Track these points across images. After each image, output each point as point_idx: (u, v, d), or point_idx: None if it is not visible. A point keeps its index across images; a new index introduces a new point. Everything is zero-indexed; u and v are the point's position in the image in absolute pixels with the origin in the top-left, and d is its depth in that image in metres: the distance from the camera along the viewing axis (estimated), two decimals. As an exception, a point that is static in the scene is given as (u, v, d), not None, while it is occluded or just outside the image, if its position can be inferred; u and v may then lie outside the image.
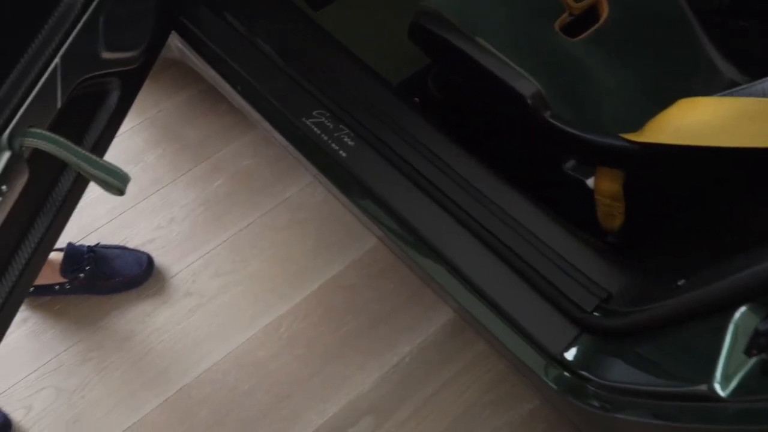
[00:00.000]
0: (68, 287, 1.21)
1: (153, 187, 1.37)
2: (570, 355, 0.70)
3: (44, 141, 0.62)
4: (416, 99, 1.11)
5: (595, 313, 0.72)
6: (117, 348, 1.20)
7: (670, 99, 0.72)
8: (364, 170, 0.87)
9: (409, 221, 0.82)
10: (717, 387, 0.52)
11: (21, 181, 0.63)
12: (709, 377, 0.52)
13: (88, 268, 1.21)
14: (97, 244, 1.27)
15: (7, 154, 0.61)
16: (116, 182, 0.64)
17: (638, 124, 0.77)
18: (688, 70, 0.92)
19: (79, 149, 0.64)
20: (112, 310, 1.23)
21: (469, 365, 1.16)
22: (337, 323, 1.20)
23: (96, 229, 1.32)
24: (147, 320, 1.22)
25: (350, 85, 0.94)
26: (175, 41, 1.08)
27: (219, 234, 1.30)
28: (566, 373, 0.69)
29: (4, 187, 0.61)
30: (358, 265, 1.25)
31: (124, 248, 1.27)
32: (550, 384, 0.69)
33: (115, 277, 1.22)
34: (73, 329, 1.22)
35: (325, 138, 0.90)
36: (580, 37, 0.93)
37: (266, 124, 0.99)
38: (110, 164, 0.65)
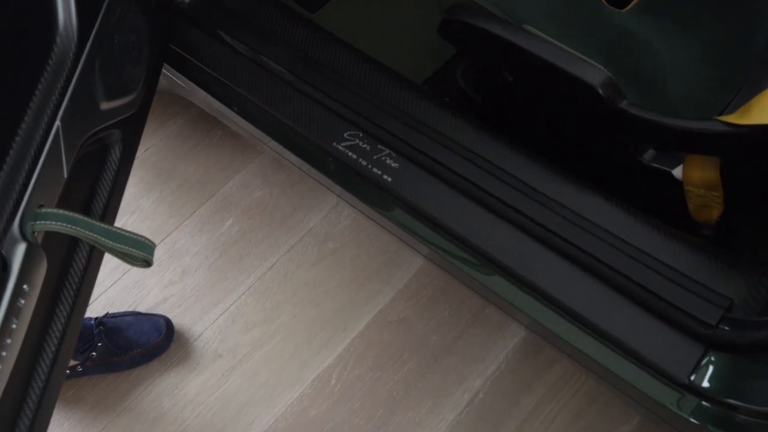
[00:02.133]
0: (81, 369, 1.18)
1: (156, 238, 1.34)
2: (702, 379, 0.67)
3: (61, 222, 0.59)
4: (447, 99, 1.09)
5: (722, 326, 0.69)
6: (148, 430, 1.17)
7: (736, 64, 0.70)
8: (416, 193, 0.84)
9: (480, 246, 0.79)
10: None
11: (41, 274, 0.60)
12: None
13: (100, 344, 1.18)
14: (106, 314, 1.24)
15: (22, 247, 0.58)
16: (142, 253, 0.62)
17: (708, 98, 0.74)
18: (751, 28, 0.89)
19: (98, 223, 0.62)
20: (135, 388, 1.20)
21: (551, 390, 1.13)
22: (395, 364, 1.17)
23: (99, 296, 1.29)
24: (177, 393, 1.19)
25: (378, 94, 0.92)
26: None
27: (241, 281, 1.27)
28: (705, 403, 0.66)
29: (25, 287, 0.58)
30: (406, 293, 1.21)
31: (136, 314, 1.25)
32: (688, 418, 0.66)
33: (133, 349, 1.19)
34: (94, 415, 1.19)
35: (365, 163, 0.87)
36: (630, 6, 0.91)
37: (290, 156, 0.97)
38: (133, 234, 0.63)
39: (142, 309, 1.25)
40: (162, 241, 1.33)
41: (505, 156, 0.81)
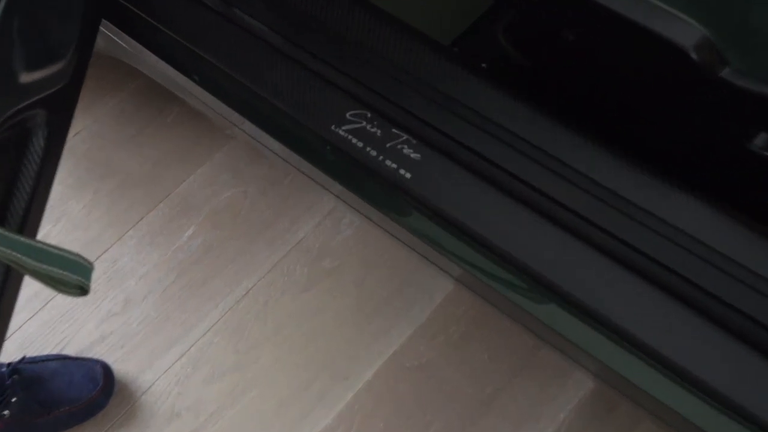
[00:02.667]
0: (-11, 433, 1.19)
1: (90, 254, 1.32)
2: None
3: None
4: (483, 65, 1.10)
5: None
6: None
7: None
8: (443, 193, 0.85)
9: (531, 265, 0.79)
10: None
11: None
12: None
13: (14, 400, 1.18)
14: (22, 359, 1.24)
15: None
16: (75, 277, 0.63)
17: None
18: None
19: (16, 236, 0.63)
20: (63, 458, 1.21)
21: (630, 461, 1.14)
22: (415, 426, 1.17)
23: (13, 333, 1.30)
24: (119, 466, 1.20)
25: (391, 60, 0.92)
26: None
27: (205, 313, 1.28)
28: None
29: None
30: (429, 329, 1.21)
31: (64, 358, 1.25)
32: None
33: (59, 406, 1.20)
34: (7, 495, 1.20)
35: (374, 153, 0.88)
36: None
37: (271, 143, 0.98)
38: (64, 251, 0.64)
39: (71, 352, 1.26)
40: (98, 258, 1.34)
41: (566, 144, 0.82)
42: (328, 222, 1.31)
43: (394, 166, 0.87)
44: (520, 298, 0.83)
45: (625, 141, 0.87)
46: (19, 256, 0.61)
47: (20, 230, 0.77)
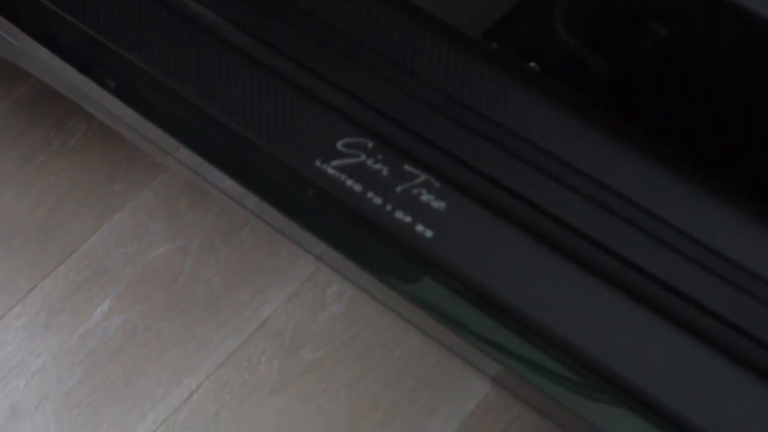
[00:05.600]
0: None
1: None
2: None
3: None
4: (532, 64, 1.11)
5: None
6: None
7: None
8: (480, 260, 0.85)
9: (602, 361, 0.80)
10: None
11: None
12: None
13: None
14: None
15: None
16: None
17: None
18: None
19: None
20: None
21: None
22: None
23: None
24: None
25: (401, 63, 0.93)
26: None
27: (130, 426, 1.27)
28: None
29: None
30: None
31: None
32: None
33: None
34: None
35: (378, 201, 0.88)
36: None
37: (223, 181, 0.99)
38: None
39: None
40: (-31, 346, 1.33)
41: (667, 192, 0.83)
42: (306, 293, 1.30)
43: (408, 219, 0.87)
44: (585, 405, 0.85)
45: (738, 176, 0.87)
46: None
47: None
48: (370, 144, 0.90)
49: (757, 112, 0.96)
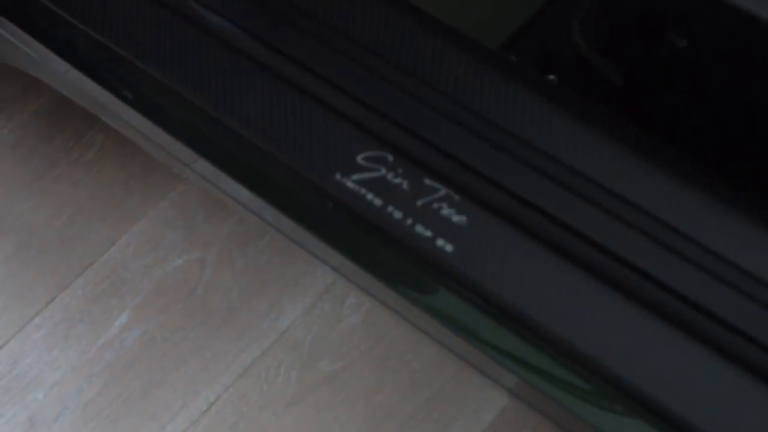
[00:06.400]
0: None
1: None
2: None
3: None
4: (551, 77, 1.11)
5: None
6: None
7: None
8: (501, 275, 0.85)
9: (625, 377, 0.80)
10: None
11: None
12: None
13: None
14: None
15: None
16: None
17: None
18: None
19: None
20: None
21: None
22: None
23: None
24: None
25: (421, 75, 0.92)
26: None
27: (147, 439, 1.27)
28: None
29: None
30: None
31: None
32: None
33: None
34: None
35: (398, 215, 0.89)
36: None
37: (241, 192, 1.00)
38: None
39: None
40: (-11, 355, 1.33)
41: (692, 208, 0.83)
42: (324, 304, 1.30)
43: (429, 234, 0.87)
44: (607, 418, 0.84)
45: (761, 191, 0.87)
46: None
47: None
48: (391, 158, 0.90)
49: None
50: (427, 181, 0.89)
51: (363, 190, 0.90)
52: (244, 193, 0.98)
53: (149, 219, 1.41)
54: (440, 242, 0.86)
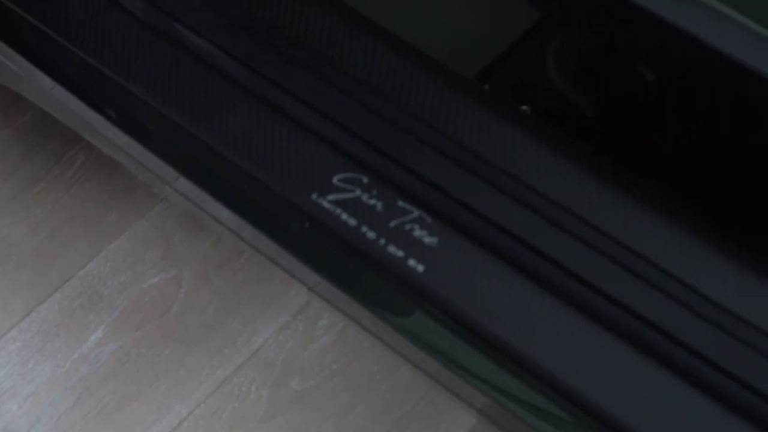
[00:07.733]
0: None
1: None
2: None
3: None
4: (524, 107, 1.11)
5: None
6: None
7: None
8: (471, 295, 0.85)
9: (592, 400, 0.80)
10: None
11: None
12: None
13: None
14: None
15: None
16: None
17: None
18: None
19: None
20: None
21: None
22: None
23: None
24: None
25: (397, 102, 0.93)
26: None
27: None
28: None
29: None
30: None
31: None
32: None
33: None
34: None
35: (372, 235, 0.89)
36: None
37: (220, 211, 1.00)
38: None
39: None
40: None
41: (660, 237, 0.83)
42: (298, 324, 1.30)
43: (401, 254, 0.87)
44: None
45: (728, 221, 0.87)
46: None
47: None
48: (366, 179, 0.90)
49: (749, 157, 0.97)
50: (401, 203, 0.89)
51: (338, 210, 0.90)
52: (223, 212, 0.98)
53: (127, 237, 1.40)
54: (412, 262, 0.87)
